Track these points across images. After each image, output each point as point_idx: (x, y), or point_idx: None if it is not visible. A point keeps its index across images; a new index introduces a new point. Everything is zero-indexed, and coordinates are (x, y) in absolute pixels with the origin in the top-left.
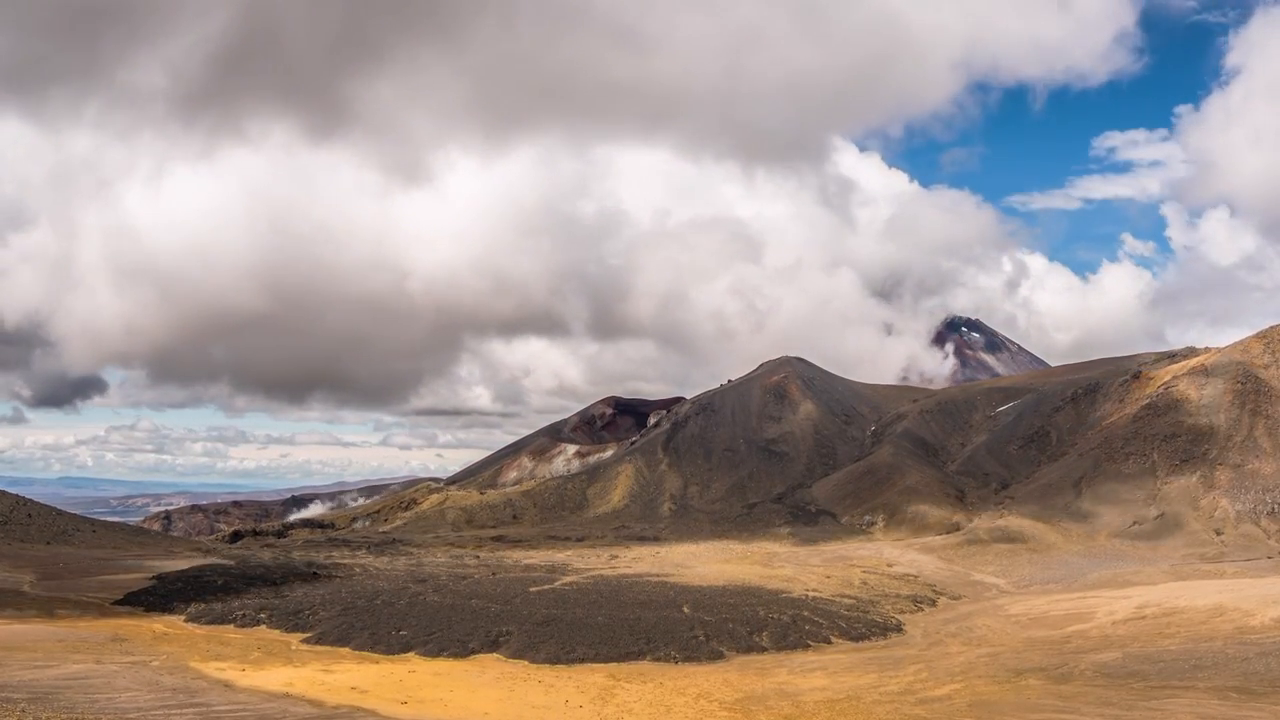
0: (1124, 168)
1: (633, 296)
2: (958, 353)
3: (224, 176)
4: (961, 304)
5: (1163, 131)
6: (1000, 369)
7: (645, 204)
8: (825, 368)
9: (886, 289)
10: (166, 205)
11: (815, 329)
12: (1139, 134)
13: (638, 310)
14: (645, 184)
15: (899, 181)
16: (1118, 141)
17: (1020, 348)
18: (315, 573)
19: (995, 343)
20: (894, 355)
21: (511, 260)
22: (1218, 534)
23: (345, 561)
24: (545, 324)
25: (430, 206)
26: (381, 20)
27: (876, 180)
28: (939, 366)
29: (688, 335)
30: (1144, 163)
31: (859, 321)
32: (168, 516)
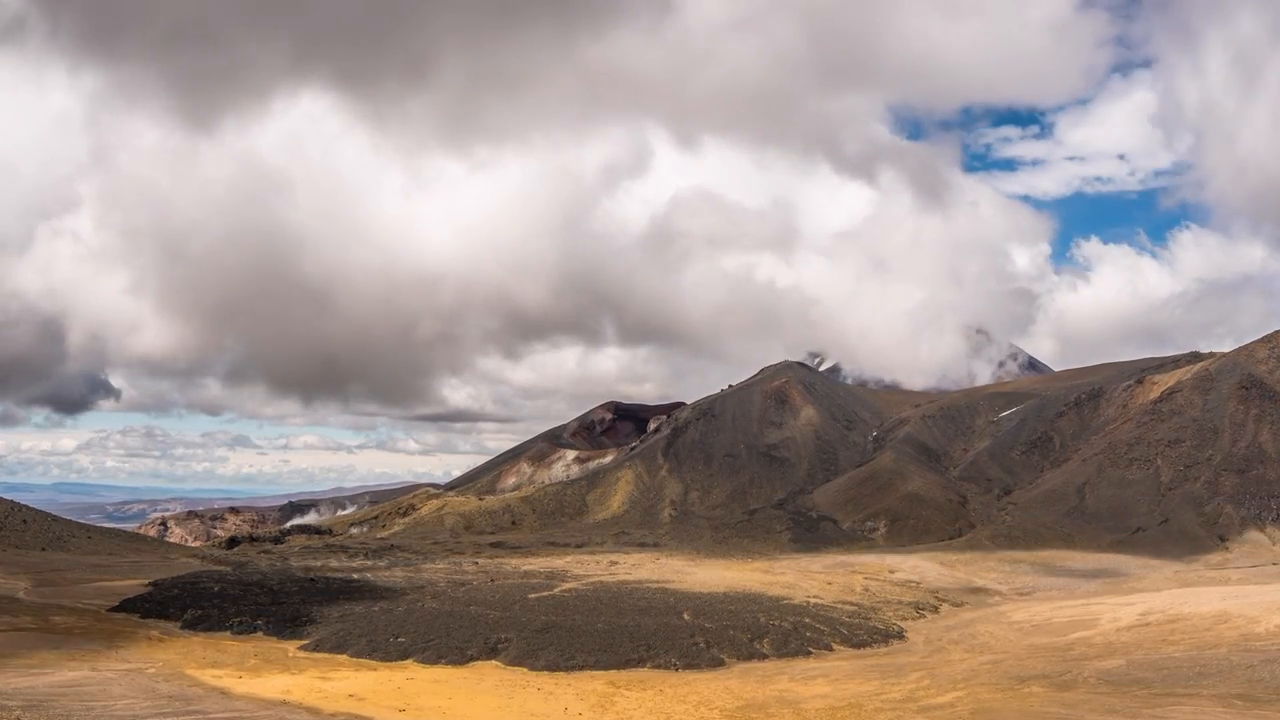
0: (1007, 165)
1: (652, 298)
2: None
3: (236, 157)
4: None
5: (1035, 129)
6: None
7: (661, 204)
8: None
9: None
10: (167, 189)
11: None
12: (1011, 130)
13: (659, 313)
14: (667, 182)
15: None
16: (991, 139)
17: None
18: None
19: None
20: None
21: (523, 264)
22: (1222, 540)
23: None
24: (557, 329)
25: (436, 208)
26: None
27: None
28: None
29: (710, 336)
30: (1026, 160)
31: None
32: (164, 522)
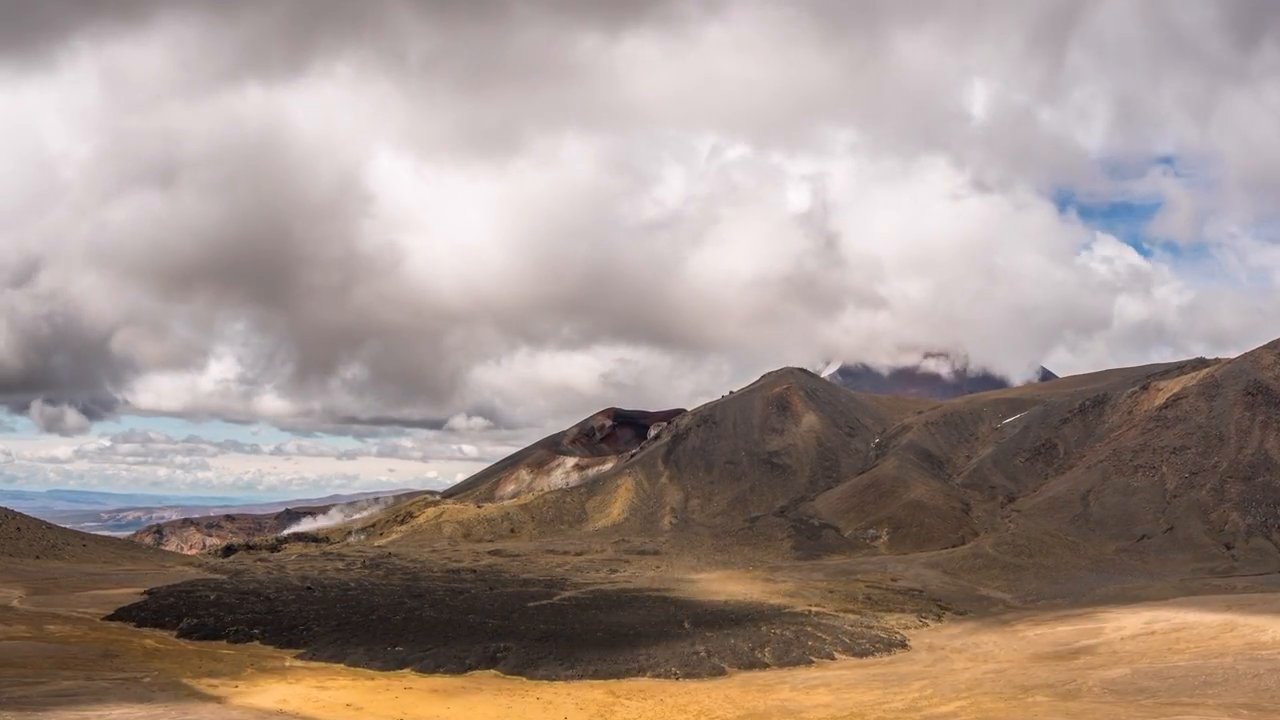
0: None
1: (663, 299)
2: None
3: (243, 156)
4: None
5: None
6: None
7: (673, 203)
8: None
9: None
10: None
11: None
12: None
13: (667, 314)
14: (679, 181)
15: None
16: None
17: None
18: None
19: None
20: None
21: (527, 267)
22: (1228, 548)
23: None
24: (559, 332)
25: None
26: None
27: None
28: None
29: (732, 339)
30: None
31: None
32: (159, 530)
